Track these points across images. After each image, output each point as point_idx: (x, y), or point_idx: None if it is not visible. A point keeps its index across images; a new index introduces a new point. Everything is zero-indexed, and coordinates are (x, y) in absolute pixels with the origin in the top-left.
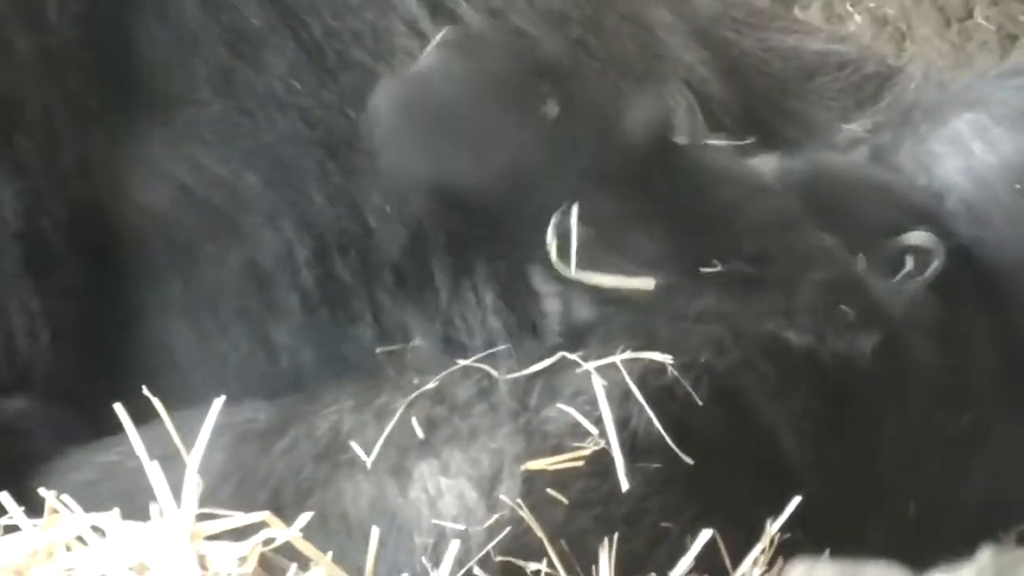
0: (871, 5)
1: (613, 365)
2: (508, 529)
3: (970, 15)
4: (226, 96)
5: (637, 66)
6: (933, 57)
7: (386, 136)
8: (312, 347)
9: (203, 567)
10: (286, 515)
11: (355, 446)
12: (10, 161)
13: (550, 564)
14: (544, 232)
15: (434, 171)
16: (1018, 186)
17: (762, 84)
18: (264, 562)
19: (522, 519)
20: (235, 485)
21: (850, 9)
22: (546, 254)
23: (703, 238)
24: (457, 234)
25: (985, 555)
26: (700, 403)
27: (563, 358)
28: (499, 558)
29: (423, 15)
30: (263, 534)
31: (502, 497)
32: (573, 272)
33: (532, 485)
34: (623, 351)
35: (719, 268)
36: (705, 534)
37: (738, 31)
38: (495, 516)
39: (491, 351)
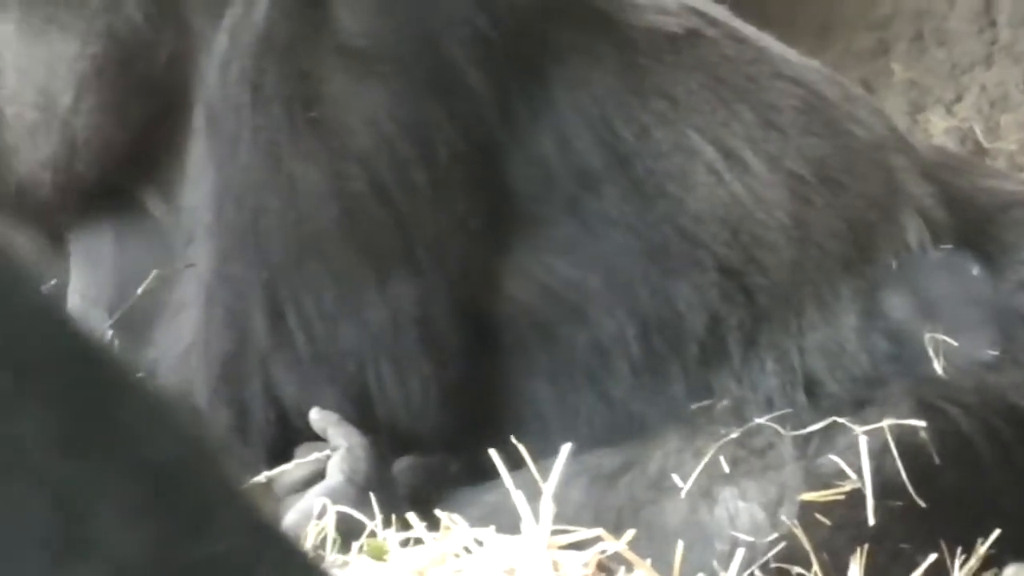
0: None
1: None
2: (784, 543)
3: None
4: (575, 217)
5: (881, 199)
6: None
7: None
8: (640, 402)
9: (555, 570)
10: (623, 531)
11: (675, 477)
12: (411, 266)
13: (814, 571)
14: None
15: None
16: None
17: (972, 214)
18: (601, 566)
19: (795, 536)
20: (592, 514)
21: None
22: None
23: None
24: (743, 315)
25: None
26: (938, 460)
27: (835, 421)
28: (775, 564)
29: (718, 159)
30: (600, 545)
31: (782, 518)
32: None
33: (805, 511)
34: (888, 417)
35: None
36: (932, 556)
37: (953, 173)
38: (776, 533)
39: (780, 413)
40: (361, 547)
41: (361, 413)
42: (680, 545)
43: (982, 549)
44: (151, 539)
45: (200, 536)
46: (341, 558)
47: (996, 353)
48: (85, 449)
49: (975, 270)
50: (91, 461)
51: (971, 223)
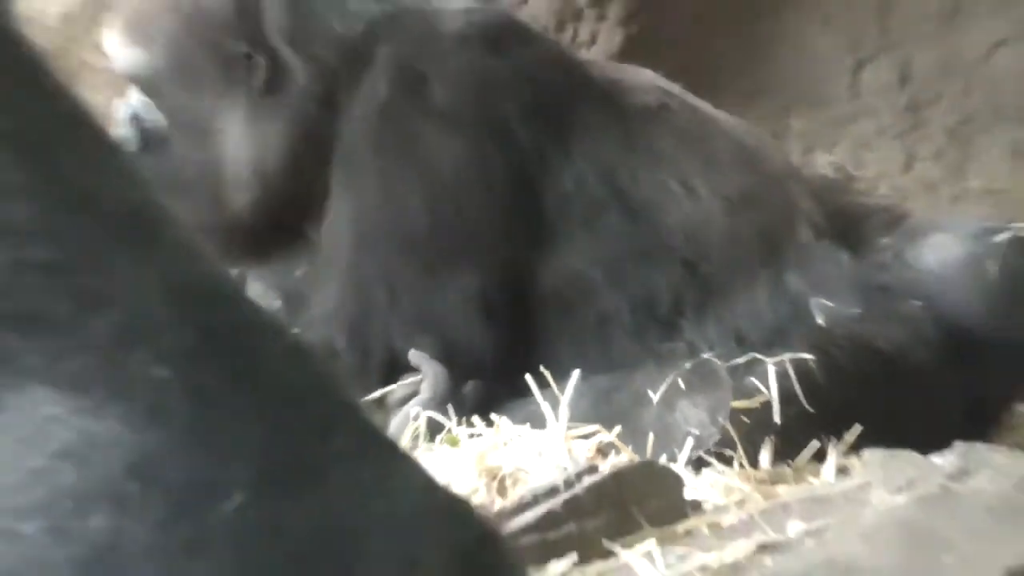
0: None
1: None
2: (720, 436)
3: None
4: (587, 231)
5: (783, 213)
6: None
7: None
8: (628, 352)
9: (569, 453)
10: (614, 428)
11: (650, 393)
12: (475, 261)
13: (739, 454)
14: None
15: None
16: (969, 268)
17: (843, 221)
18: (599, 450)
19: (727, 430)
20: (594, 417)
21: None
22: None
23: None
24: (696, 292)
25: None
26: (821, 382)
27: (754, 357)
28: (714, 450)
29: (680, 190)
30: (599, 437)
31: (719, 419)
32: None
33: (734, 415)
34: (788, 354)
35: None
36: (815, 443)
37: (831, 194)
38: (715, 429)
39: (718, 352)
40: (441, 440)
41: (443, 354)
42: (651, 437)
43: (849, 438)
44: (292, 440)
45: (327, 437)
46: (428, 447)
47: (859, 311)
48: (248, 376)
49: (845, 257)
50: (250, 385)
51: (843, 226)
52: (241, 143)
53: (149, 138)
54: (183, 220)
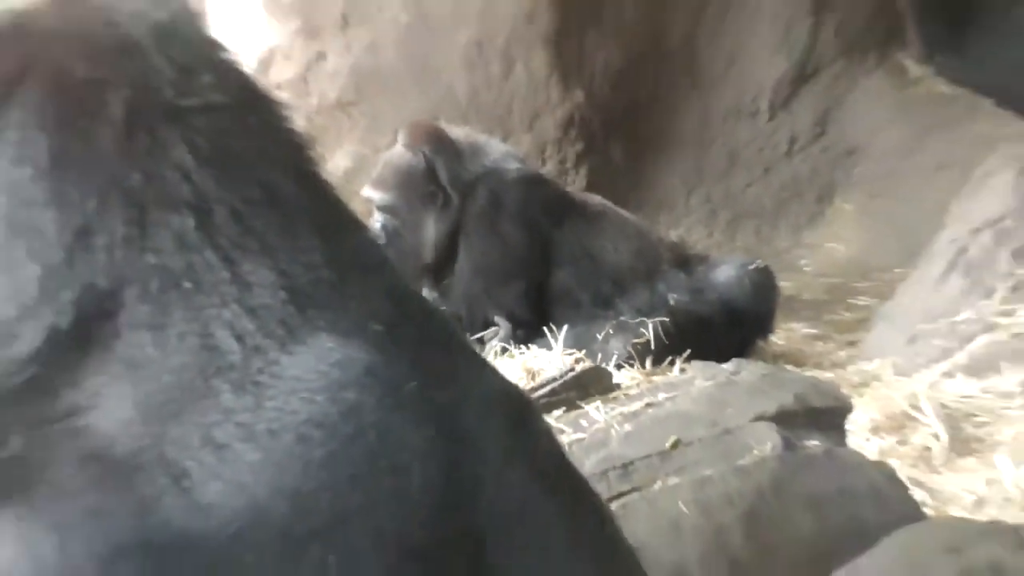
0: None
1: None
2: (628, 355)
3: None
4: (572, 265)
5: (656, 254)
6: None
7: None
8: (593, 319)
9: (562, 362)
10: (581, 351)
11: (598, 336)
12: (519, 276)
13: (636, 366)
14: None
15: None
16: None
17: (686, 259)
18: (576, 361)
19: (631, 352)
20: (574, 345)
21: None
22: None
23: None
24: (615, 291)
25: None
26: (672, 331)
27: (643, 320)
28: (625, 361)
29: (609, 246)
30: (576, 355)
31: (627, 348)
32: None
33: (634, 346)
34: (655, 317)
35: None
36: (670, 359)
37: (681, 248)
38: (626, 352)
39: (627, 318)
40: (507, 356)
41: (508, 318)
42: (599, 356)
43: (684, 356)
44: (442, 358)
45: (456, 357)
46: (500, 360)
47: (688, 300)
48: (423, 329)
49: (682, 276)
50: (424, 334)
51: (681, 262)
52: (430, 233)
53: (389, 234)
54: (400, 268)
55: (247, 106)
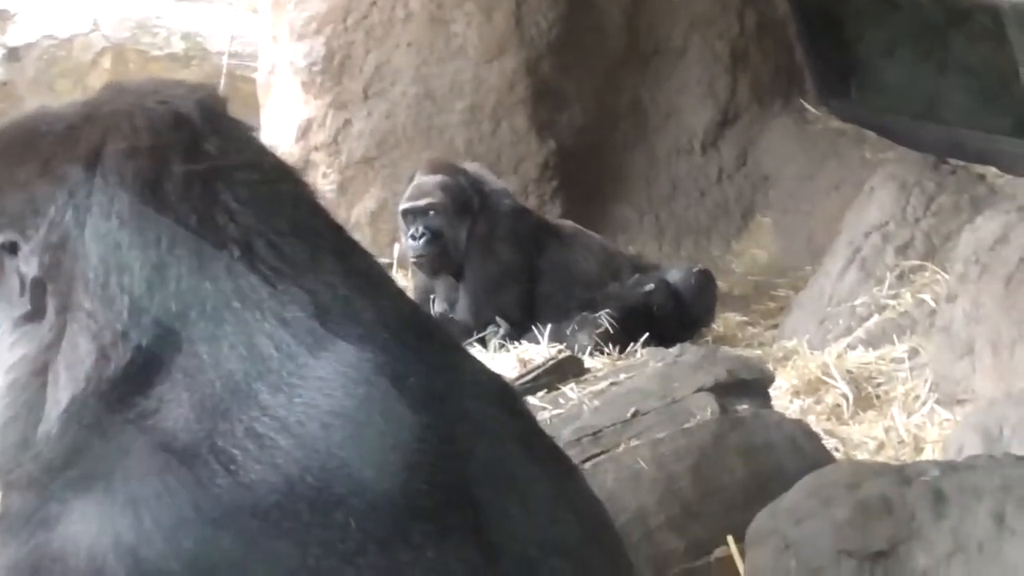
0: None
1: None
2: (595, 343)
3: None
4: (552, 277)
5: (617, 264)
6: None
7: None
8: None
9: (547, 352)
10: (559, 343)
11: (568, 331)
12: (516, 284)
13: (608, 350)
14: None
15: None
16: None
17: (637, 267)
18: (558, 352)
19: (597, 341)
20: (555, 340)
21: None
22: None
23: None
24: (590, 289)
25: None
26: (629, 321)
27: (608, 312)
28: (593, 349)
29: (583, 259)
30: (556, 347)
31: (594, 337)
32: None
33: (598, 335)
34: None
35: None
36: (631, 345)
37: (635, 259)
38: (591, 341)
39: (588, 314)
40: (504, 349)
41: (505, 319)
42: (576, 347)
43: (640, 342)
44: (445, 356)
45: (456, 355)
46: (500, 353)
47: (646, 293)
48: (428, 335)
49: (637, 278)
50: (429, 340)
51: (639, 268)
52: (463, 234)
53: (434, 231)
54: (442, 263)
55: (269, 163)
